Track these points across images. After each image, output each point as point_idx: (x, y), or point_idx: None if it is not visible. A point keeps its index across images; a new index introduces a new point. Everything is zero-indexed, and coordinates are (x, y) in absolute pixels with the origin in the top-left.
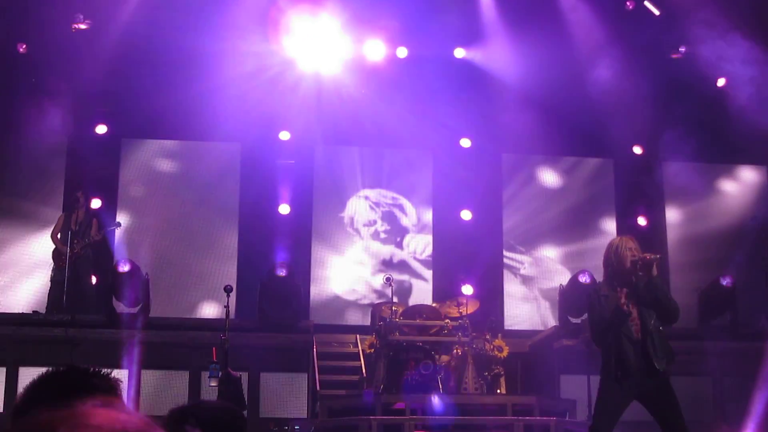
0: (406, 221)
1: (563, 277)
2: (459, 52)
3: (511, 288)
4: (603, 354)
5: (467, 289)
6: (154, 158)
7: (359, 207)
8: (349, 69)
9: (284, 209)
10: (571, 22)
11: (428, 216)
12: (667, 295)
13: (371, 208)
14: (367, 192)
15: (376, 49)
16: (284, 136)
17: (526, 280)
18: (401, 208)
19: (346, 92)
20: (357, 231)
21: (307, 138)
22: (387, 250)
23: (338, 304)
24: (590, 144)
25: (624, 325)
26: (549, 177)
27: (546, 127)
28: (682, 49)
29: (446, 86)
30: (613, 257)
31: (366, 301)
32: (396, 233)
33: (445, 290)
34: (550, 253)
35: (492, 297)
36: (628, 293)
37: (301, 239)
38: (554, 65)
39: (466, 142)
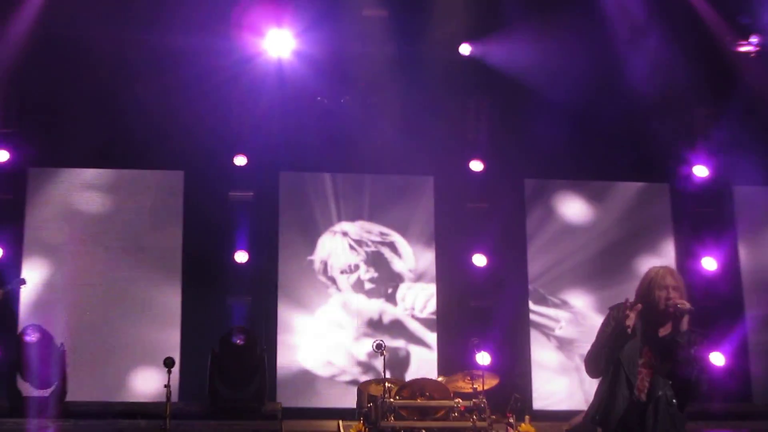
0: (399, 265)
1: None
2: (465, 49)
3: (543, 354)
4: (595, 394)
5: (483, 358)
6: (72, 192)
7: (334, 247)
8: (323, 72)
9: (241, 257)
10: (606, 6)
11: (429, 259)
12: (690, 358)
13: (351, 247)
14: (346, 226)
15: (357, 47)
16: (239, 161)
17: (563, 343)
18: (393, 247)
19: (319, 103)
20: (332, 280)
21: (269, 163)
22: (374, 306)
23: (313, 380)
24: (638, 165)
25: (627, 353)
26: (585, 207)
27: (580, 144)
28: (754, 41)
29: (450, 92)
30: (645, 290)
31: (348, 377)
32: (386, 282)
33: (454, 359)
34: (591, 304)
35: (516, 367)
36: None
37: (265, 296)
38: (588, 63)
39: (477, 165)
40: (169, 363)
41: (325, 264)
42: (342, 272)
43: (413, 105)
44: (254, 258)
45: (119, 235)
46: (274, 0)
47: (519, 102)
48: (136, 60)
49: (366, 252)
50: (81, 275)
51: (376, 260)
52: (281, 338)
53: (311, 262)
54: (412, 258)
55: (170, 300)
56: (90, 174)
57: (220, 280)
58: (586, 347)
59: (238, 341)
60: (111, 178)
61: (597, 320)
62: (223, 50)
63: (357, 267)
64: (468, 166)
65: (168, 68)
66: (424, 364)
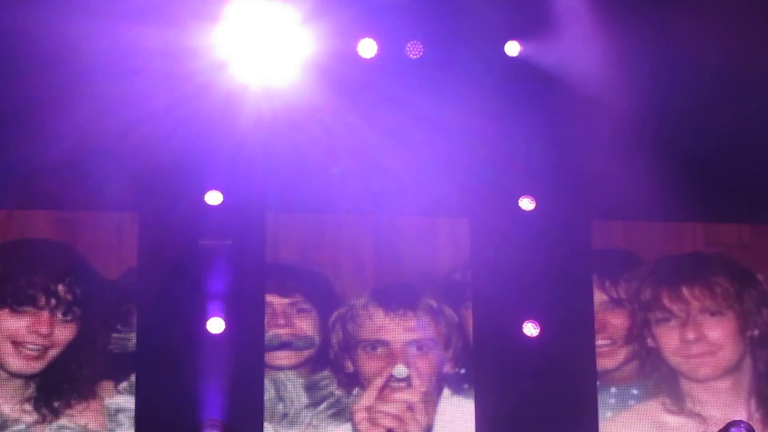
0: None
1: None
2: (512, 48)
3: None
4: None
5: None
6: None
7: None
8: (322, 82)
9: (215, 325)
10: None
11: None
12: None
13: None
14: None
15: (367, 48)
16: (213, 198)
17: None
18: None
19: (319, 120)
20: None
21: (253, 201)
22: None
23: None
24: (747, 202)
25: None
26: None
27: (671, 176)
28: None
29: (491, 104)
30: None
31: None
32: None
33: None
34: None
35: None
36: None
37: (247, 378)
38: (681, 69)
39: (526, 203)
40: None
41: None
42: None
43: (442, 121)
44: (231, 327)
45: None
46: None
47: (584, 117)
48: (65, 61)
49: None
50: None
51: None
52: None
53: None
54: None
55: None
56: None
57: (187, 355)
58: None
59: None
60: (34, 222)
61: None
62: (191, 50)
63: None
64: (517, 203)
65: (113, 72)
66: None
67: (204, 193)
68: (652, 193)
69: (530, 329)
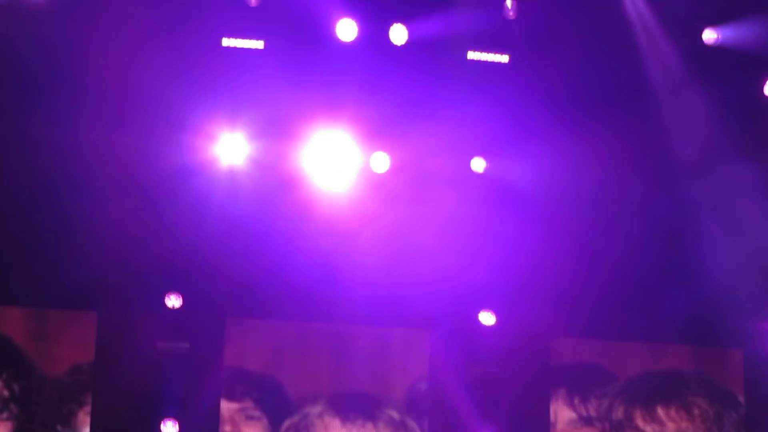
0: None
1: None
2: (478, 164)
3: None
4: None
5: None
6: None
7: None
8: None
9: (169, 430)
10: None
11: None
12: None
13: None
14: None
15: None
16: (173, 301)
17: None
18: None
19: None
20: None
21: (212, 306)
22: None
23: None
24: (707, 325)
25: None
26: None
27: (632, 297)
28: None
29: (456, 217)
30: None
31: None
32: None
33: None
34: None
35: None
36: None
37: None
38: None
39: (487, 318)
40: None
41: None
42: None
43: (405, 239)
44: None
45: None
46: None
47: (546, 234)
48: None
49: None
50: None
51: None
52: None
53: None
54: None
55: None
56: None
57: None
58: None
59: None
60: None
61: None
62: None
63: None
64: (477, 317)
65: (76, 174)
66: None
67: (164, 294)
68: (622, 313)
69: None
